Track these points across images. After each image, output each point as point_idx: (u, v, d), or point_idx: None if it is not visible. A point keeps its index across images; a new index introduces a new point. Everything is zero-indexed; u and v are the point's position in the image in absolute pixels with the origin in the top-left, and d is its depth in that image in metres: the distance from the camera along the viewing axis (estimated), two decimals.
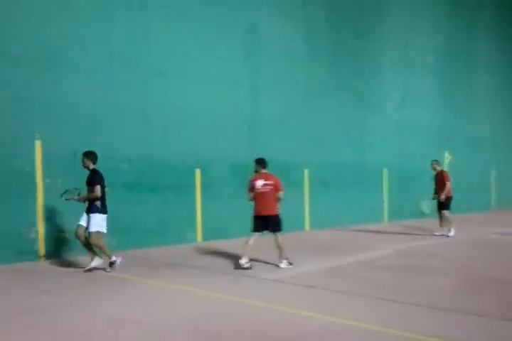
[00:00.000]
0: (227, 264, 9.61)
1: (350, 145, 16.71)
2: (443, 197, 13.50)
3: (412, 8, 19.20)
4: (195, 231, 12.43)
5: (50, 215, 9.94)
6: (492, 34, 23.39)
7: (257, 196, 9.20)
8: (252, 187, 9.27)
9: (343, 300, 6.98)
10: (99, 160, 10.61)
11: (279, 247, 9.24)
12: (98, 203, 8.58)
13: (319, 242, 12.82)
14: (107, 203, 8.87)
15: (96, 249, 8.75)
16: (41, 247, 9.81)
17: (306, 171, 15.09)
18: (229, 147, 13.14)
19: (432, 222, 14.56)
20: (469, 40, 22.00)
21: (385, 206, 17.71)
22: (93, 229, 8.53)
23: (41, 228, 9.80)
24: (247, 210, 13.13)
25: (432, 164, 14.12)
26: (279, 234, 9.22)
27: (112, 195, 10.83)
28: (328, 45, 15.95)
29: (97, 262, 8.77)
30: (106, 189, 8.86)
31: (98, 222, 8.57)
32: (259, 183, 9.18)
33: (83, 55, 10.50)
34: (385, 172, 17.81)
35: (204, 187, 12.58)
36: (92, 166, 8.73)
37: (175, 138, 12.02)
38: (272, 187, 9.14)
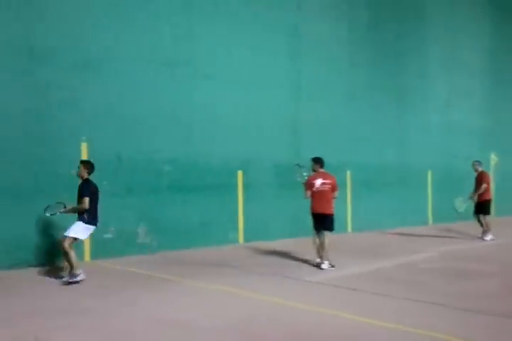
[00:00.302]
0: (269, 265, 9.62)
1: (393, 146, 16.52)
2: (475, 198, 13.29)
3: (456, 8, 18.87)
4: (237, 232, 12.50)
5: None
6: None
7: (314, 194, 9.31)
8: (310, 186, 9.36)
9: (386, 303, 6.91)
10: (143, 162, 10.82)
11: (327, 247, 9.30)
12: (85, 215, 8.15)
13: (362, 244, 12.72)
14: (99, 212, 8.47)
15: (63, 256, 8.19)
16: (86, 247, 10.00)
17: (348, 172, 14.99)
18: (271, 148, 13.17)
19: (476, 224, 14.25)
20: None
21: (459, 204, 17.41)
22: (71, 233, 8.03)
23: None
24: (288, 211, 13.23)
25: (473, 165, 13.85)
26: (329, 234, 9.34)
27: (156, 196, 11.04)
28: (370, 46, 15.83)
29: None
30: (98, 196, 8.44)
31: (79, 229, 8.11)
32: (318, 182, 9.30)
33: (128, 58, 10.67)
34: (430, 173, 17.55)
35: (246, 188, 12.63)
36: (86, 176, 8.34)
37: (218, 139, 12.11)
38: (330, 186, 9.30)
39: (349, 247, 11.96)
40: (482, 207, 13.36)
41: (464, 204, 13.47)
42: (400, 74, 16.80)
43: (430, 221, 17.59)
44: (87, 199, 8.10)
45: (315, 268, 9.32)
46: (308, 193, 9.35)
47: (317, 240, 9.38)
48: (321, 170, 9.52)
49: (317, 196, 9.28)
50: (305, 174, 9.62)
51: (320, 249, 9.30)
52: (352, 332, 5.61)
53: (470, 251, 11.52)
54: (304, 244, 10.62)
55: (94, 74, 10.21)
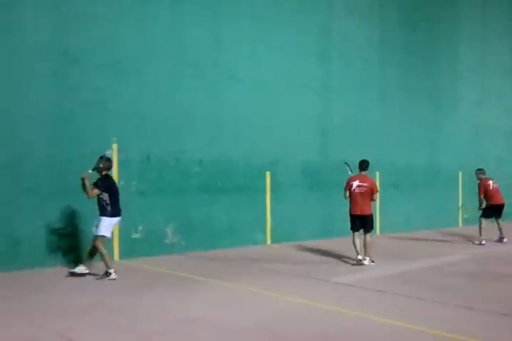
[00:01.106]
0: (296, 266, 9.62)
1: (423, 147, 16.37)
2: (482, 205, 13.20)
3: (488, 9, 18.62)
4: (264, 233, 12.50)
5: (125, 216, 10.21)
6: None
7: (351, 196, 9.80)
8: (348, 187, 9.86)
9: (413, 306, 6.85)
10: (172, 162, 10.94)
11: (368, 245, 9.77)
12: (108, 209, 8.39)
13: (390, 246, 12.61)
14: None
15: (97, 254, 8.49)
16: (115, 247, 10.11)
17: (377, 173, 14.88)
18: (299, 149, 13.15)
19: (509, 226, 14.04)
20: None
21: (460, 209, 17.19)
22: (100, 232, 8.33)
23: (116, 229, 10.07)
24: (316, 212, 13.21)
25: (476, 173, 13.60)
26: (369, 233, 9.81)
27: (184, 197, 11.10)
28: (401, 47, 15.71)
29: (80, 269, 8.55)
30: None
31: (105, 226, 8.36)
32: (355, 184, 9.77)
33: (156, 59, 10.75)
34: (461, 175, 17.33)
35: (274, 188, 12.63)
36: (105, 172, 8.50)
37: (246, 140, 12.13)
38: (365, 189, 9.66)
39: (377, 249, 11.85)
40: (489, 212, 13.18)
41: (469, 210, 13.42)
42: (431, 74, 16.64)
43: (460, 223, 17.35)
44: (96, 191, 8.26)
45: (342, 270, 9.29)
46: (346, 194, 9.86)
47: (356, 240, 9.78)
48: (362, 172, 9.93)
49: (353, 198, 9.74)
50: (350, 173, 10.20)
51: (358, 247, 9.75)
52: (379, 334, 5.58)
53: (500, 254, 11.34)
54: (332, 245, 10.59)
55: (123, 75, 10.30)
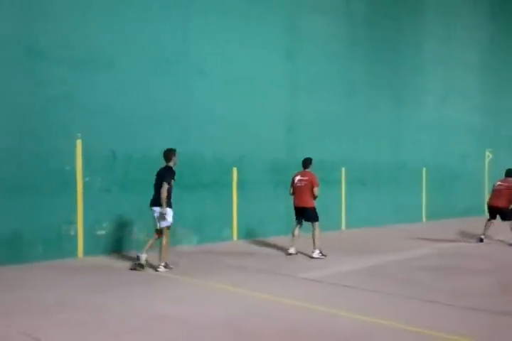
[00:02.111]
0: (263, 263, 9.63)
1: (389, 143, 16.55)
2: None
3: (451, 4, 18.88)
4: (231, 229, 12.48)
5: (89, 213, 10.10)
6: None
7: (294, 190, 10.49)
8: (292, 183, 10.54)
9: (380, 300, 6.92)
10: (138, 158, 10.84)
11: (315, 238, 10.08)
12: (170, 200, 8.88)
13: (356, 241, 12.72)
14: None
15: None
16: (80, 243, 9.97)
17: (343, 170, 15.00)
18: (266, 146, 13.15)
19: (470, 221, 14.30)
20: None
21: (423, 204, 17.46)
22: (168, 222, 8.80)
23: (80, 225, 9.97)
24: (283, 209, 13.22)
25: None
26: (314, 225, 10.19)
27: (150, 193, 10.97)
28: (368, 42, 15.81)
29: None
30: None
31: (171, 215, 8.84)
32: (296, 179, 10.44)
33: (123, 55, 10.59)
34: (424, 171, 17.58)
35: (241, 185, 12.61)
36: (171, 164, 9.01)
37: (213, 136, 12.06)
38: (306, 182, 10.28)
39: (343, 244, 11.97)
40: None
41: None
42: (398, 70, 16.81)
43: (424, 218, 17.62)
44: (166, 185, 8.64)
45: (308, 265, 9.34)
46: (291, 190, 10.60)
47: (295, 231, 10.50)
48: (305, 169, 10.50)
49: (295, 191, 10.47)
50: None
51: (293, 240, 10.44)
52: (346, 329, 5.61)
53: (464, 249, 11.54)
54: (299, 241, 10.62)
55: (90, 70, 10.14)
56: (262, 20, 13.08)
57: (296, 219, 10.55)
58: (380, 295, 7.20)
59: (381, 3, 16.29)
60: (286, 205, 13.22)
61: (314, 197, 10.26)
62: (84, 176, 9.98)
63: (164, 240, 8.70)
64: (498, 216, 12.51)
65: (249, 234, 12.65)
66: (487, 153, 19.99)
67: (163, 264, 8.65)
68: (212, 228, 12.10)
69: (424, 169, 17.56)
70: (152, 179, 10.55)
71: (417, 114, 17.45)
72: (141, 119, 10.85)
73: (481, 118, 19.86)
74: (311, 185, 10.19)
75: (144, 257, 8.72)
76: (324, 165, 14.09)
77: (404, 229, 15.09)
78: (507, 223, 12.35)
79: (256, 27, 12.96)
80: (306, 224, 10.43)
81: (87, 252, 10.03)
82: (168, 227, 8.80)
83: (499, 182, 12.73)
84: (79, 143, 9.90)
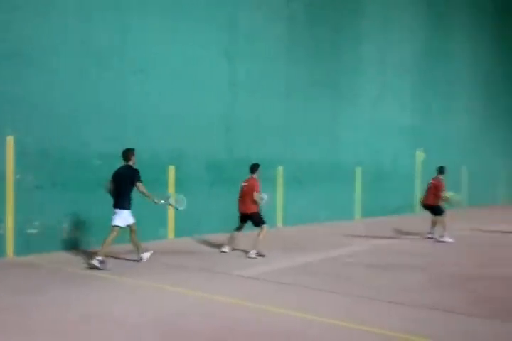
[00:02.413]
0: (199, 261, 9.60)
1: (325, 142, 16.79)
2: None
3: (388, 8, 19.32)
4: (167, 227, 12.38)
5: (20, 211, 9.80)
6: (467, 35, 23.72)
7: (239, 195, 10.49)
8: (240, 188, 10.51)
9: (314, 297, 7.03)
10: (71, 155, 10.58)
11: (257, 239, 10.10)
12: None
13: (292, 239, 12.86)
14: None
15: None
16: (9, 242, 9.67)
17: (280, 168, 15.13)
18: (204, 144, 13.10)
19: (403, 219, 14.69)
20: (446, 42, 22.27)
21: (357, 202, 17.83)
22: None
23: (10, 224, 9.66)
24: (220, 207, 13.22)
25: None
26: (262, 228, 10.21)
27: (84, 191, 10.76)
28: (307, 43, 15.99)
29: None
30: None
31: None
32: (242, 184, 10.47)
33: (58, 50, 10.31)
34: (359, 169, 17.95)
35: (178, 183, 12.51)
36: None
37: (150, 134, 11.92)
38: (246, 188, 10.29)
39: (279, 242, 12.07)
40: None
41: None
42: (335, 71, 17.07)
43: (358, 216, 17.99)
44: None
45: (245, 263, 9.38)
46: (238, 195, 10.54)
47: (234, 233, 10.63)
48: (251, 174, 10.48)
49: (240, 197, 10.49)
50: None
51: (228, 240, 10.65)
52: (283, 327, 5.67)
53: (397, 246, 11.86)
54: (235, 240, 10.65)
55: (22, 65, 9.82)
56: (201, 18, 13.01)
57: (240, 222, 10.62)
58: (315, 292, 7.31)
59: (321, 5, 16.48)
60: (223, 203, 13.27)
61: (256, 202, 10.16)
62: (15, 173, 9.67)
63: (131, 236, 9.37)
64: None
65: (185, 232, 12.57)
66: (419, 152, 20.59)
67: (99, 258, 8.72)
68: (148, 226, 11.91)
69: (358, 168, 17.92)
70: (85, 177, 10.37)
71: (353, 114, 17.79)
72: (75, 116, 10.61)
73: (412, 119, 20.43)
74: (252, 191, 10.16)
75: (146, 256, 9.47)
76: (262, 163, 14.12)
77: (338, 227, 15.36)
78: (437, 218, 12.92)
79: (195, 25, 12.87)
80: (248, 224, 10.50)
81: (17, 252, 9.73)
82: (120, 227, 9.07)
83: (431, 181, 13.21)
84: (10, 139, 9.59)
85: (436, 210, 12.89)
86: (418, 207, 20.20)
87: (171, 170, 12.41)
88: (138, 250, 9.40)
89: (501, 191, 26.35)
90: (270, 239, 12.13)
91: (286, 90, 15.37)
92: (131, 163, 9.17)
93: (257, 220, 10.27)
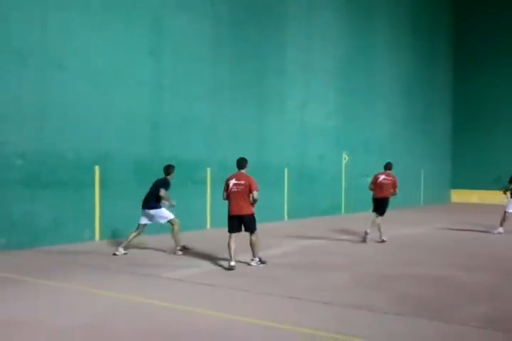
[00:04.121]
0: (126, 263, 9.42)
1: (253, 144, 16.84)
2: None
3: (312, 14, 19.60)
4: (93, 229, 12.08)
5: None
6: (388, 42, 24.43)
7: (229, 196, 9.29)
8: (226, 188, 9.36)
9: (242, 298, 7.04)
10: None
11: (253, 245, 9.35)
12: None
13: (222, 241, 12.80)
14: None
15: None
16: None
17: (208, 169, 15.07)
18: (130, 144, 12.87)
19: (330, 219, 14.95)
20: (367, 48, 22.85)
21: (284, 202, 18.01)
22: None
23: None
24: None
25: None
26: (253, 235, 9.34)
27: (4, 191, 10.37)
28: (232, 44, 15.98)
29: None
30: None
31: None
32: (231, 183, 9.27)
33: None
34: (287, 171, 18.13)
35: (103, 183, 12.25)
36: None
37: (74, 133, 11.61)
38: (242, 187, 9.17)
39: (207, 243, 12.02)
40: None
41: None
42: (262, 74, 17.15)
43: (286, 217, 18.17)
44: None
45: (172, 265, 9.28)
46: (224, 195, 9.41)
47: (232, 243, 9.30)
48: (240, 171, 9.54)
49: (231, 198, 9.28)
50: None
51: (232, 251, 9.22)
52: (209, 328, 5.65)
53: (325, 246, 12.05)
54: (163, 241, 10.55)
55: None
56: (125, 17, 12.77)
57: (232, 228, 9.35)
58: (241, 292, 7.33)
59: (246, 8, 16.51)
60: None
61: (253, 203, 9.28)
62: None
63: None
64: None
65: (112, 234, 12.31)
66: (344, 155, 21.03)
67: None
68: (72, 228, 11.64)
69: (286, 169, 18.11)
70: (5, 176, 10.01)
71: (280, 116, 17.93)
72: None
73: (337, 122, 20.82)
74: (249, 190, 9.16)
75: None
76: (189, 164, 14.09)
77: (266, 228, 15.41)
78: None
79: (120, 23, 12.64)
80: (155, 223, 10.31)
81: None
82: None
83: (383, 176, 13.12)
84: None
85: (385, 206, 12.94)
86: (345, 208, 20.73)
87: (96, 171, 12.13)
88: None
89: (422, 193, 27.28)
90: (198, 240, 12.09)
91: (213, 91, 15.31)
92: (169, 177, 10.66)
93: (253, 224, 9.32)
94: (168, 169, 10.69)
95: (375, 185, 13.11)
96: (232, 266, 9.01)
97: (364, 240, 12.51)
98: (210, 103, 15.24)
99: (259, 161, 17.00)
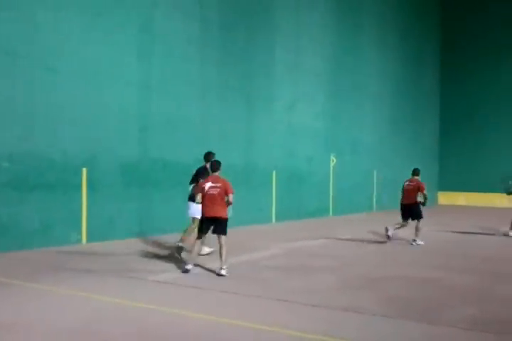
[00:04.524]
0: (114, 266, 9.37)
1: (241, 146, 16.84)
2: None
3: (300, 15, 19.64)
4: (80, 232, 12.01)
5: None
6: (375, 42, 24.55)
7: (204, 198, 9.11)
8: (201, 190, 9.18)
9: (231, 301, 7.03)
10: None
11: (222, 249, 9.00)
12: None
13: (208, 243, 12.78)
14: None
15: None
16: None
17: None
18: (118, 146, 12.81)
19: (318, 222, 14.95)
20: (355, 48, 22.95)
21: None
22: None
23: None
24: (135, 211, 13.00)
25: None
26: (223, 239, 9.08)
27: None
28: (221, 46, 15.97)
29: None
30: None
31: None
32: (207, 186, 9.10)
33: None
34: (274, 173, 18.13)
35: (91, 186, 12.17)
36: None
37: (61, 135, 11.54)
38: (219, 189, 9.03)
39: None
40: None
41: None
42: (250, 75, 17.15)
43: (274, 219, 18.17)
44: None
45: (160, 268, 9.24)
46: (198, 197, 9.17)
47: (196, 246, 9.22)
48: (215, 173, 9.34)
49: (206, 200, 9.09)
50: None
51: (193, 254, 9.17)
52: (197, 331, 5.63)
53: (313, 248, 12.06)
54: (150, 244, 10.50)
55: None
56: (114, 19, 12.71)
57: (204, 230, 9.23)
58: (230, 295, 7.32)
59: (234, 9, 16.51)
60: (138, 206, 13.05)
61: (228, 205, 9.13)
62: None
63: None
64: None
65: (99, 236, 12.21)
66: (331, 157, 21.08)
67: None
68: (60, 231, 11.56)
69: (274, 171, 18.11)
70: None
71: (268, 118, 17.94)
72: None
73: (325, 124, 20.87)
74: (226, 192, 9.06)
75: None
76: (177, 166, 14.03)
77: (254, 230, 15.44)
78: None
79: (110, 24, 12.59)
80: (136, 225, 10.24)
81: None
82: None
83: (408, 182, 13.40)
84: None
85: (413, 212, 13.03)
86: (333, 210, 20.77)
87: (84, 172, 12.05)
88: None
89: None
90: (188, 243, 12.04)
91: (201, 91, 15.29)
92: (208, 164, 10.19)
93: (225, 228, 9.18)
94: (208, 156, 10.64)
95: (402, 191, 13.36)
96: (189, 270, 8.87)
97: (388, 238, 12.85)
98: (199, 104, 15.21)
99: (247, 163, 17.01)
